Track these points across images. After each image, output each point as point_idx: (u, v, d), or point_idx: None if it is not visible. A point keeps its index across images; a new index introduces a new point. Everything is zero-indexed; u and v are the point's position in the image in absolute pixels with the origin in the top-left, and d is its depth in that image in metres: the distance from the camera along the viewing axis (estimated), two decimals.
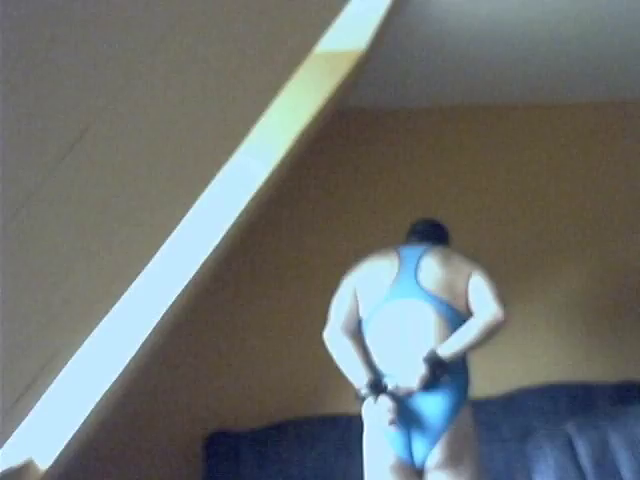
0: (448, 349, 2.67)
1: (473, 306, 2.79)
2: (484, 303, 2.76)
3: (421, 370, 2.63)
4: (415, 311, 2.76)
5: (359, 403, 2.72)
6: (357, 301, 2.88)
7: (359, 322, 2.87)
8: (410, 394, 2.64)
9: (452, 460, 2.68)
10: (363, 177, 4.24)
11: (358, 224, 4.19)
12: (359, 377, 2.73)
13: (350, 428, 3.75)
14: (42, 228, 1.12)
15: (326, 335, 2.90)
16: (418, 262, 2.86)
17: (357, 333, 2.86)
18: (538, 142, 4.35)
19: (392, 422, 2.61)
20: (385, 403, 2.63)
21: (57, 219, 1.15)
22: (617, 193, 4.34)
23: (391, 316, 2.78)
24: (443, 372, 2.65)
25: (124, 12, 0.94)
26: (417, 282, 2.80)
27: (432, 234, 3.09)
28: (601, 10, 3.15)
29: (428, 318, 2.73)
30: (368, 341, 2.82)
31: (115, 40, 0.97)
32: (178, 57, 1.16)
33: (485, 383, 4.11)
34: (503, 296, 2.81)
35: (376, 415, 2.65)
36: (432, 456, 2.68)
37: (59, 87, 0.93)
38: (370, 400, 2.67)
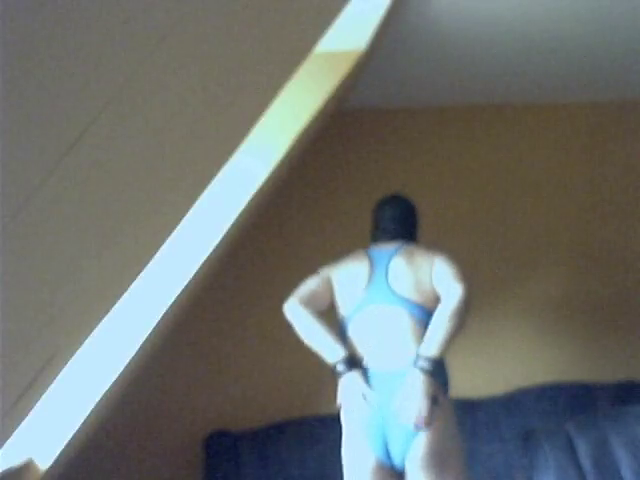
0: (430, 347, 2.60)
1: (439, 293, 2.73)
2: (445, 287, 2.69)
3: (417, 382, 2.57)
4: (390, 316, 2.74)
5: (336, 377, 2.71)
6: (329, 290, 2.85)
7: (341, 319, 2.84)
8: (423, 419, 2.56)
9: (433, 460, 2.57)
10: (363, 177, 4.24)
11: (358, 224, 4.19)
12: (333, 351, 2.70)
13: None
14: (42, 228, 1.12)
15: (286, 306, 2.84)
16: (388, 265, 2.81)
17: (320, 313, 2.82)
18: (538, 142, 4.35)
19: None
20: (362, 388, 2.62)
21: (57, 219, 1.15)
22: (617, 193, 4.34)
23: (367, 321, 2.78)
24: (438, 369, 2.61)
25: (124, 12, 0.94)
26: (389, 286, 2.77)
27: (400, 229, 2.95)
28: (601, 10, 3.15)
29: (403, 322, 2.71)
30: (349, 341, 2.81)
31: (115, 40, 0.97)
32: (178, 57, 1.16)
33: (485, 383, 4.11)
34: (462, 274, 2.74)
35: (353, 393, 2.64)
36: (410, 456, 2.59)
37: (59, 87, 0.93)
38: (350, 375, 2.64)
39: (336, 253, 4.14)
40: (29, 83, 0.87)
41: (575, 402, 3.94)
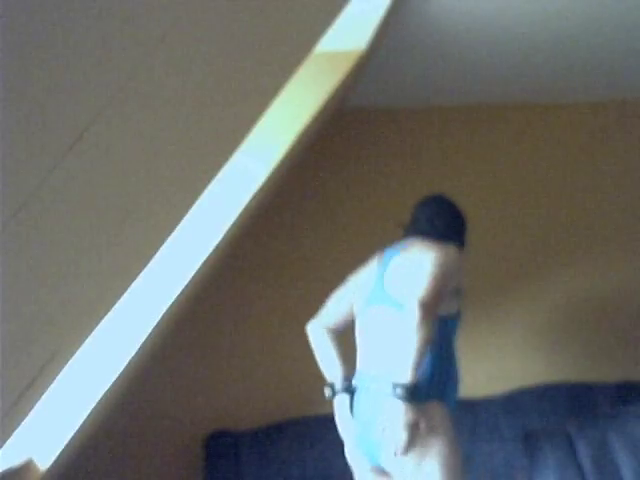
0: (403, 373, 2.48)
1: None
2: (407, 296, 2.54)
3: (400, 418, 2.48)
4: (383, 317, 2.70)
5: (328, 399, 2.88)
6: (353, 300, 2.89)
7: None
8: (405, 444, 2.50)
9: (407, 463, 2.51)
10: (363, 177, 4.24)
11: (358, 224, 4.19)
12: (331, 374, 2.85)
13: None
14: (42, 228, 1.12)
15: (308, 327, 2.94)
16: (388, 264, 2.76)
17: (344, 330, 2.92)
18: (538, 142, 4.35)
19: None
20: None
21: (57, 219, 1.15)
22: (617, 193, 4.34)
23: (365, 323, 2.79)
24: (415, 390, 2.49)
25: (124, 12, 0.94)
26: (383, 287, 2.73)
27: (425, 226, 2.85)
28: (601, 10, 3.15)
29: (394, 323, 2.62)
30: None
31: (115, 40, 0.97)
32: (178, 57, 1.16)
33: (485, 383, 4.11)
34: (434, 290, 2.53)
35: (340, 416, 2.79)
36: (386, 459, 2.57)
37: (59, 87, 0.93)
38: (339, 398, 2.80)
39: (336, 253, 4.15)
40: (29, 83, 0.87)
41: (575, 402, 3.94)
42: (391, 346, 2.61)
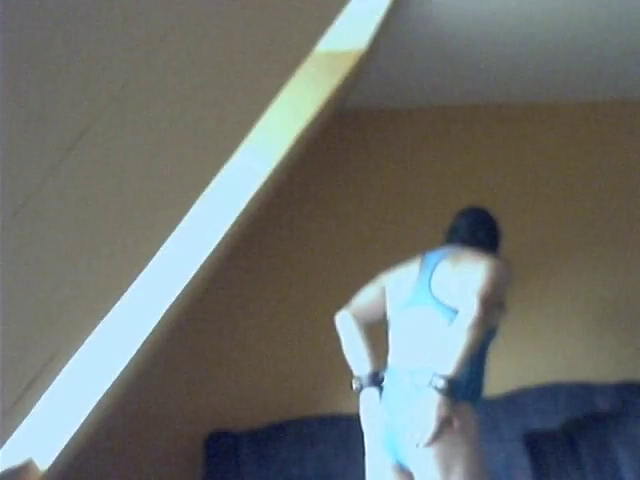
0: (446, 365, 2.48)
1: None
2: (465, 297, 2.56)
3: (433, 404, 2.45)
4: (426, 318, 2.68)
5: (356, 391, 2.76)
6: (383, 299, 2.85)
7: (387, 323, 2.83)
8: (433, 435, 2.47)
9: (435, 463, 2.48)
10: (363, 177, 4.24)
11: (358, 224, 4.19)
12: (360, 365, 2.75)
13: (350, 428, 3.75)
14: (42, 228, 1.12)
15: (337, 316, 2.86)
16: (434, 268, 2.76)
17: (370, 325, 2.84)
18: (538, 142, 4.35)
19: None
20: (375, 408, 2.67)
21: (57, 219, 1.15)
22: (618, 193, 4.34)
23: (404, 323, 2.75)
24: (455, 386, 2.48)
25: (124, 12, 0.94)
26: (430, 290, 2.72)
27: (466, 235, 2.91)
28: (601, 10, 3.15)
29: (438, 325, 2.63)
30: (389, 343, 2.81)
31: (115, 40, 0.97)
32: (178, 57, 1.16)
33: (485, 383, 4.11)
34: (496, 285, 2.62)
35: (367, 408, 2.69)
36: (412, 457, 2.54)
37: (59, 87, 0.93)
38: (368, 391, 2.70)
39: (336, 252, 4.15)
40: (29, 83, 0.87)
41: (575, 402, 3.94)
42: (431, 346, 2.60)
